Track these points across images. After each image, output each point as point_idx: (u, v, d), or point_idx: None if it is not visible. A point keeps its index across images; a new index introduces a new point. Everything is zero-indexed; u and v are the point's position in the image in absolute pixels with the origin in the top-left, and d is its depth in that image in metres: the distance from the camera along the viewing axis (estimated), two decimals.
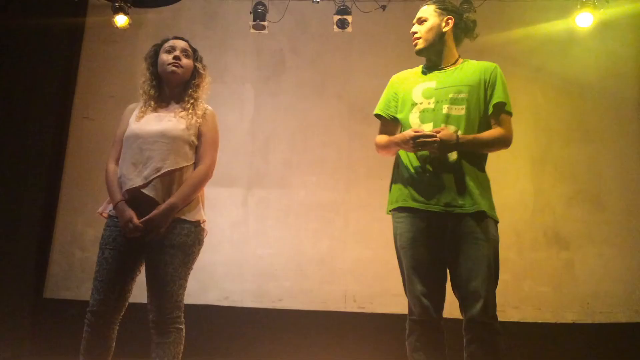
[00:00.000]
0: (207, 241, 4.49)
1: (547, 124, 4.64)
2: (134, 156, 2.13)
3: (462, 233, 2.01)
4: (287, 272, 4.50)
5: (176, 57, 2.26)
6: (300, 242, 4.55)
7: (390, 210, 2.19)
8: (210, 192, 4.54)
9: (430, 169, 2.06)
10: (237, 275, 4.49)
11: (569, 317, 4.30)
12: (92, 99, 4.79)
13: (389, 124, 2.27)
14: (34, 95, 4.47)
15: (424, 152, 2.06)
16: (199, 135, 2.24)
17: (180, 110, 2.24)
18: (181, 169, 2.16)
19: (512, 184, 4.47)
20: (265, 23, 4.71)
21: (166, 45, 2.31)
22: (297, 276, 4.49)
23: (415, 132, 2.01)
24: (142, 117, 2.22)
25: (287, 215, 4.62)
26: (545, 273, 4.39)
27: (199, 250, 2.22)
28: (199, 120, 2.24)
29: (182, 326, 2.11)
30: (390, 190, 2.22)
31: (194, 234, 2.17)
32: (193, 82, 2.31)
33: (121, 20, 4.59)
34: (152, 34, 4.92)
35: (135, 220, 2.07)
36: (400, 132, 2.21)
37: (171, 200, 2.11)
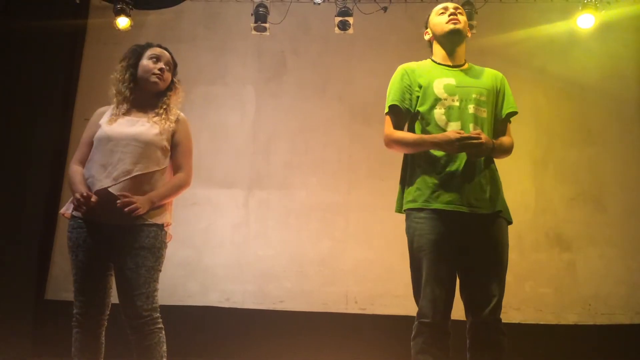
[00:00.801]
0: (208, 242, 4.54)
1: (549, 125, 4.64)
2: (104, 158, 2.11)
3: (483, 234, 2.02)
4: (288, 273, 4.50)
5: (161, 70, 2.26)
6: (301, 243, 4.55)
7: (405, 210, 2.14)
8: (211, 193, 4.61)
9: (458, 170, 2.04)
10: (238, 277, 4.49)
11: (570, 319, 4.29)
12: (94, 101, 4.74)
13: (404, 115, 2.19)
14: (36, 97, 4.48)
15: (442, 153, 2.05)
16: (173, 143, 2.25)
17: (153, 115, 2.23)
18: (152, 173, 2.15)
19: (514, 185, 4.46)
20: (267, 25, 4.71)
21: (151, 52, 2.29)
22: (298, 277, 4.49)
23: (458, 133, 1.99)
24: (115, 120, 2.19)
25: (288, 216, 4.62)
26: (546, 274, 4.38)
27: (165, 253, 2.18)
28: (172, 126, 2.24)
29: (162, 326, 2.10)
30: (403, 188, 2.17)
31: (160, 237, 2.14)
32: (168, 92, 2.31)
33: (123, 22, 4.60)
34: (153, 35, 4.92)
35: (87, 192, 2.05)
36: (421, 125, 2.14)
37: (150, 194, 2.11)
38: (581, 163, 4.58)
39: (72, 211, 2.14)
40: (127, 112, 2.23)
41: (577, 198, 4.52)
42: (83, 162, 2.19)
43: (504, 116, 2.18)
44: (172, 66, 2.34)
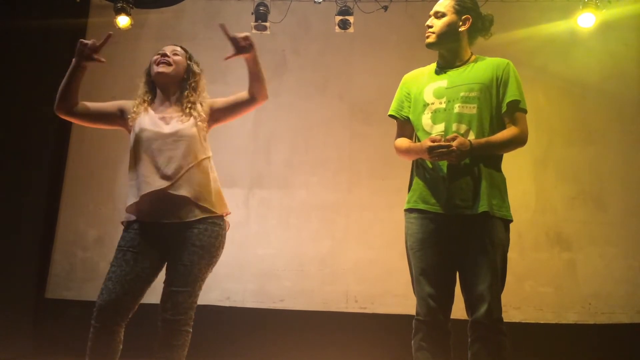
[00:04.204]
0: None
1: (549, 124, 4.64)
2: (152, 158, 2.12)
3: (470, 236, 2.00)
4: (289, 273, 4.50)
5: (164, 55, 2.25)
6: (302, 243, 4.55)
7: (404, 210, 2.19)
8: None
9: (443, 171, 2.05)
10: (238, 276, 4.49)
11: (570, 318, 4.29)
12: (94, 100, 4.72)
13: (405, 124, 2.24)
14: (36, 95, 4.47)
15: None
16: (219, 104, 2.30)
17: (181, 114, 2.23)
18: (200, 162, 2.16)
19: (514, 184, 4.41)
20: (267, 24, 4.71)
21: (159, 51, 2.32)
22: (299, 276, 4.49)
23: (432, 141, 1.98)
24: (144, 118, 2.20)
25: (289, 215, 4.62)
26: (547, 274, 4.38)
27: (221, 252, 2.23)
28: (202, 113, 2.24)
29: (191, 329, 2.09)
30: (408, 189, 2.22)
31: (222, 237, 2.18)
32: (188, 82, 2.29)
33: (123, 21, 4.59)
34: (154, 34, 4.93)
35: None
36: (415, 131, 2.19)
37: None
38: (582, 162, 4.58)
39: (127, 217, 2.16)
40: (156, 111, 2.23)
41: (578, 197, 4.52)
42: (83, 102, 2.29)
43: (505, 107, 2.10)
44: (183, 53, 2.33)
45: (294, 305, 4.41)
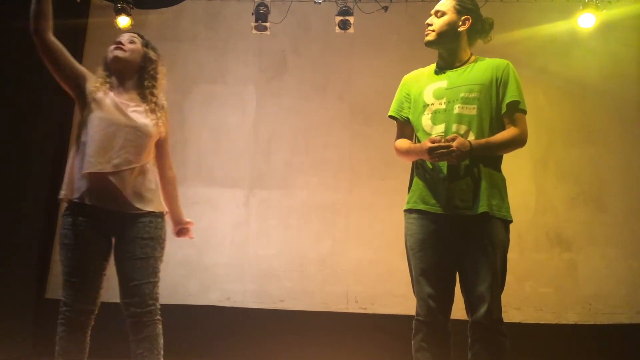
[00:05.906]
0: (209, 242, 4.55)
1: (549, 124, 4.64)
2: (105, 140, 2.06)
3: (470, 236, 2.01)
4: (289, 273, 4.50)
5: (119, 42, 2.20)
6: (302, 243, 4.55)
7: (403, 211, 2.20)
8: (212, 193, 4.62)
9: (443, 172, 2.05)
10: (238, 276, 4.50)
11: (570, 318, 4.29)
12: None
13: (405, 125, 2.25)
14: (36, 95, 4.48)
15: None
16: (162, 134, 2.25)
17: (142, 103, 2.19)
18: (146, 165, 2.16)
19: (514, 184, 4.41)
20: (267, 24, 4.71)
21: None
22: (299, 277, 4.49)
23: (432, 142, 1.98)
24: (105, 99, 2.12)
25: (289, 216, 4.62)
26: (547, 274, 4.38)
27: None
28: (162, 119, 2.22)
29: (161, 318, 2.10)
30: (408, 190, 2.22)
31: (165, 229, 2.20)
32: (147, 70, 2.23)
33: (123, 21, 4.59)
34: (154, 35, 4.88)
35: None
36: (415, 132, 2.20)
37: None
38: (582, 163, 4.57)
39: (73, 198, 2.06)
40: (117, 95, 2.16)
41: (578, 198, 4.51)
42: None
43: (504, 108, 2.10)
44: (140, 40, 2.26)
45: (294, 305, 4.41)
